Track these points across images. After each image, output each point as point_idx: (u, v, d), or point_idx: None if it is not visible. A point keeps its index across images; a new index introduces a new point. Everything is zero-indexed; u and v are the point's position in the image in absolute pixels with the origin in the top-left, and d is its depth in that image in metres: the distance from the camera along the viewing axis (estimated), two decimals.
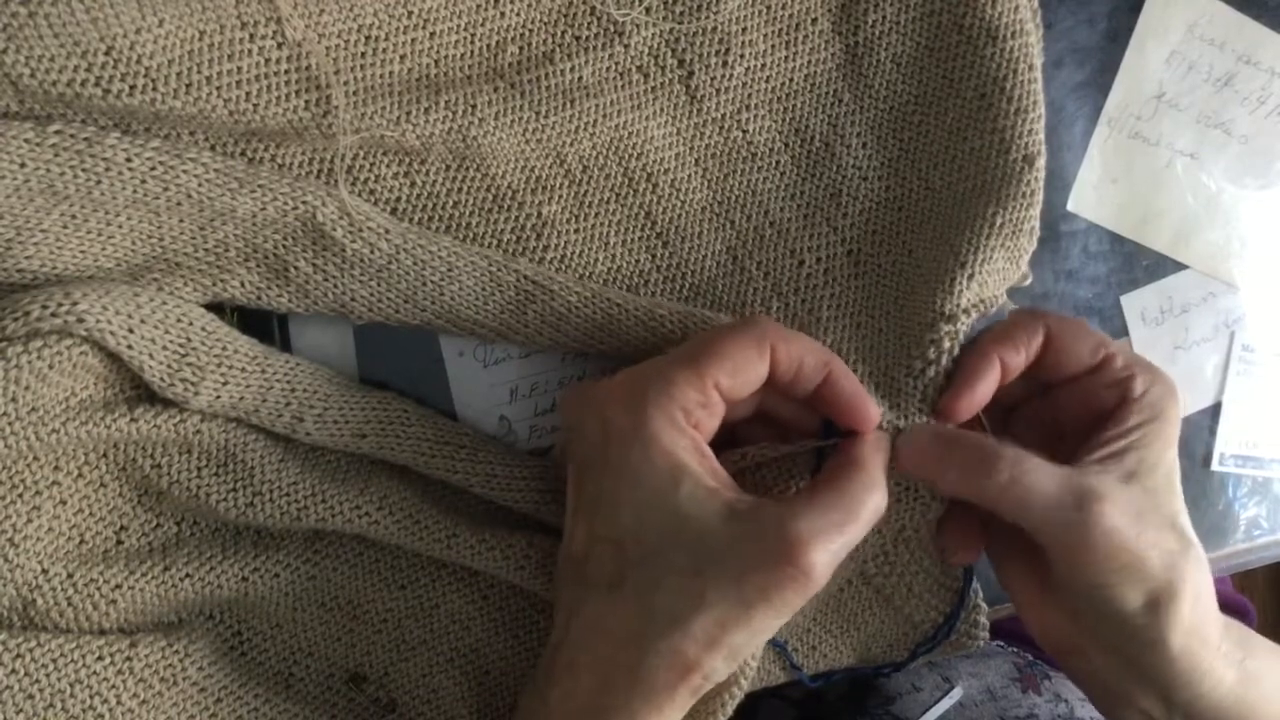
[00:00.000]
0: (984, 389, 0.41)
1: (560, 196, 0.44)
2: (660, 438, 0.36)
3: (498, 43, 0.42)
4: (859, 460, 0.38)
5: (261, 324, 0.43)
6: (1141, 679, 0.40)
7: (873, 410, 0.40)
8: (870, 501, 0.37)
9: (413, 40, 0.40)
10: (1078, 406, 0.42)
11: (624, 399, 0.37)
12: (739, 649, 0.36)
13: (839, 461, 0.39)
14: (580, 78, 0.42)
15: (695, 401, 0.37)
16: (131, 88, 0.36)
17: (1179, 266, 0.52)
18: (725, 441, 0.42)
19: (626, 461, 0.36)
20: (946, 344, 0.42)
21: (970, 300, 0.43)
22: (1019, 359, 0.41)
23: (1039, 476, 0.38)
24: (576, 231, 0.44)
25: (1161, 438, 0.40)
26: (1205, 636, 0.38)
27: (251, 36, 0.37)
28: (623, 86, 0.43)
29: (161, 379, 0.38)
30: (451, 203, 0.43)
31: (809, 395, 0.40)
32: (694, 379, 0.37)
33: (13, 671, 0.38)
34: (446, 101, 0.40)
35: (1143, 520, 0.37)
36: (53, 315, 0.36)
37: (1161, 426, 0.40)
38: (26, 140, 0.36)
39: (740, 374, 0.37)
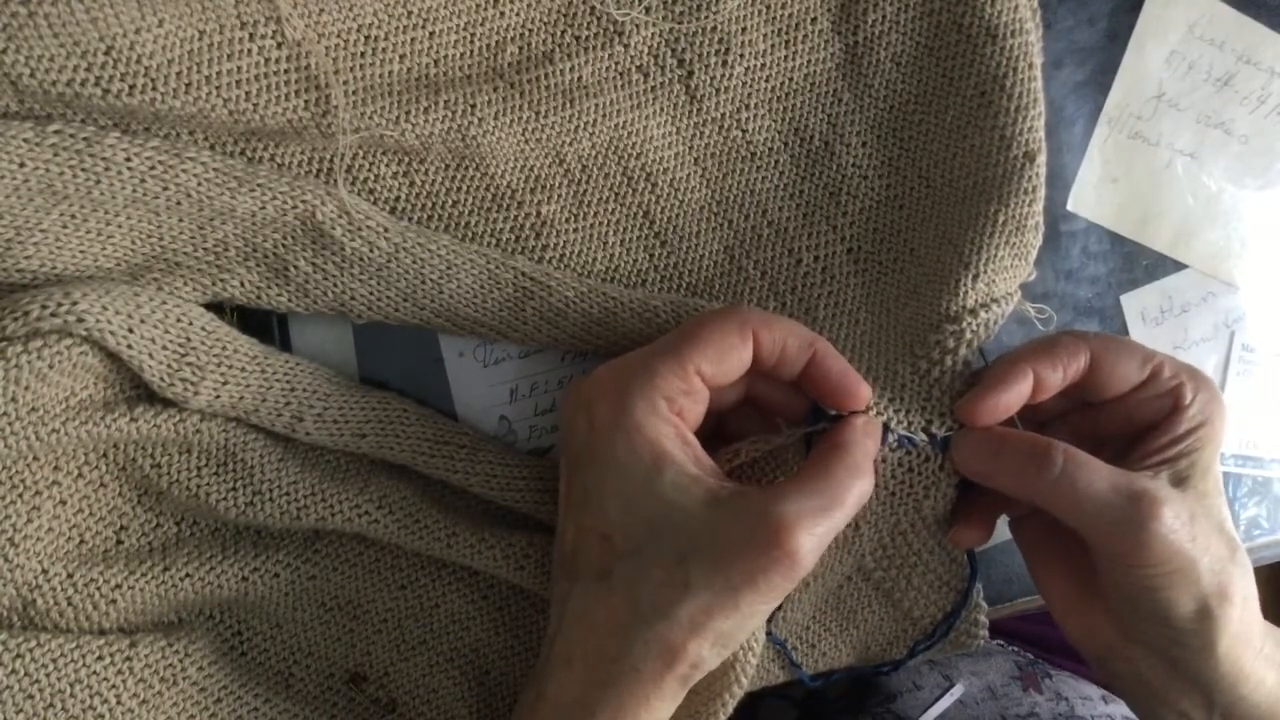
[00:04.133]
0: (1009, 398, 0.40)
1: (559, 196, 0.44)
2: (643, 426, 0.36)
3: (497, 42, 0.42)
4: (844, 444, 0.38)
5: (261, 324, 0.43)
6: (1184, 681, 0.39)
7: (862, 388, 0.40)
8: (855, 486, 0.37)
9: (412, 40, 0.40)
10: (1123, 419, 0.42)
11: (608, 391, 0.37)
12: (727, 636, 0.36)
13: (825, 446, 0.39)
14: (580, 78, 0.42)
15: (678, 389, 0.37)
16: (131, 88, 0.36)
17: (1179, 266, 0.52)
18: (714, 430, 0.42)
19: (612, 452, 0.36)
20: (951, 343, 0.42)
21: (977, 300, 0.43)
22: (1056, 377, 0.40)
23: (1093, 474, 0.37)
24: (575, 231, 0.44)
25: (1212, 442, 0.40)
26: (1249, 640, 0.39)
27: (251, 36, 0.37)
28: (622, 86, 0.43)
29: (161, 379, 0.38)
30: (450, 202, 0.43)
31: (796, 378, 0.40)
32: (676, 367, 0.37)
33: (13, 671, 0.38)
34: (446, 101, 0.40)
35: (1195, 524, 0.37)
36: (53, 315, 0.36)
37: (1212, 431, 0.40)
38: (26, 140, 0.36)
39: (722, 360, 0.37)
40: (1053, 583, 0.43)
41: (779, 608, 0.44)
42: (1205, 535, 0.37)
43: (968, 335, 0.42)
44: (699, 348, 0.37)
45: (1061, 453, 0.38)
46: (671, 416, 0.37)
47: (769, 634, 0.46)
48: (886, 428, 0.41)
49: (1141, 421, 0.41)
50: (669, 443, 0.36)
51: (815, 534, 0.35)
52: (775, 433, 0.42)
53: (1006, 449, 0.40)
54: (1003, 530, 0.47)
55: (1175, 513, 0.37)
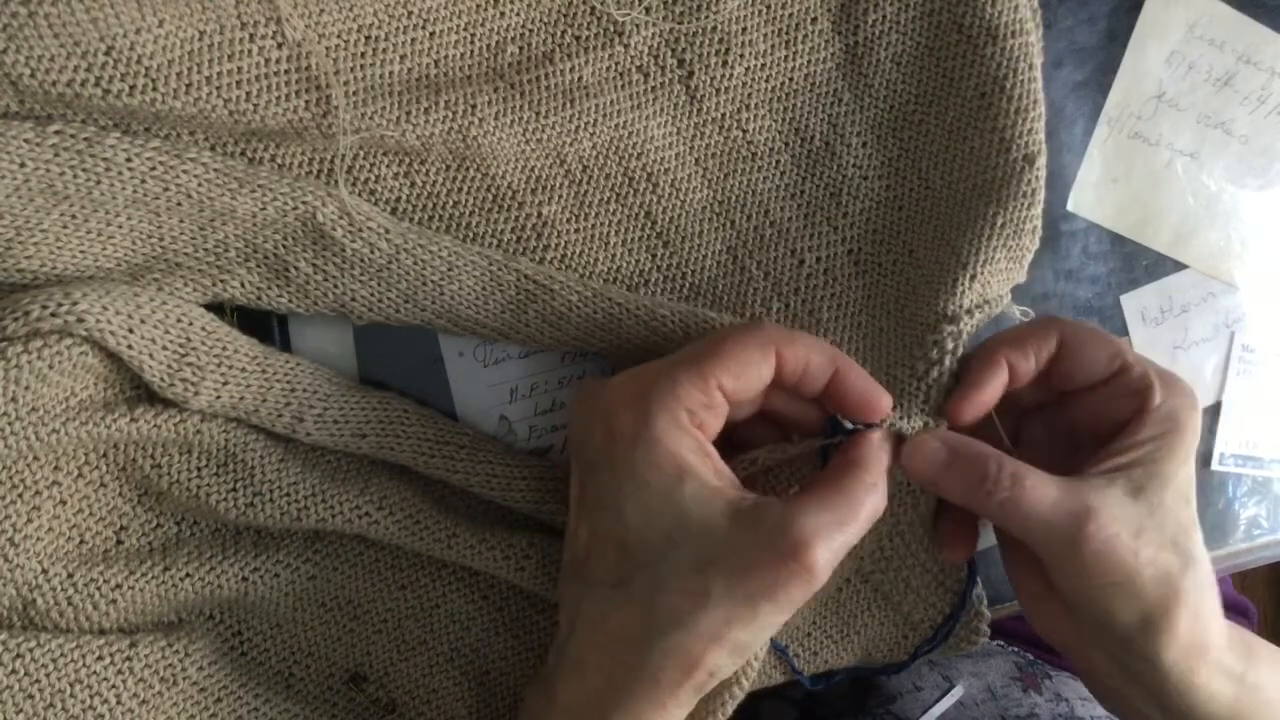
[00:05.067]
0: (990, 393, 0.41)
1: (560, 196, 0.44)
2: (664, 438, 0.36)
3: (498, 43, 0.42)
4: (861, 460, 0.38)
5: (261, 324, 0.43)
6: (1138, 686, 0.40)
7: (884, 400, 0.40)
8: (869, 502, 0.37)
9: (413, 40, 0.40)
10: (1092, 415, 0.42)
11: (628, 400, 0.37)
12: (744, 646, 0.36)
13: (841, 460, 0.39)
14: (580, 78, 0.42)
15: (699, 403, 0.37)
16: (131, 88, 0.36)
17: (1179, 266, 0.52)
18: (725, 439, 0.42)
19: (631, 462, 0.36)
20: (949, 344, 0.42)
21: (973, 301, 0.43)
22: (1028, 365, 0.41)
23: (1037, 493, 0.38)
24: (577, 231, 0.44)
25: (1177, 453, 0.39)
26: (1202, 652, 0.38)
27: (251, 36, 0.37)
28: (623, 86, 0.43)
29: (161, 379, 0.38)
30: (451, 203, 0.43)
31: (817, 394, 0.40)
32: (698, 380, 0.37)
33: (13, 671, 0.38)
34: (446, 101, 0.40)
35: (1141, 537, 0.37)
36: (53, 315, 0.36)
37: (1177, 440, 0.39)
38: (26, 140, 0.36)
39: (744, 376, 0.38)
40: (1023, 580, 0.43)
41: None
42: (1151, 549, 0.37)
43: (964, 336, 0.42)
44: (721, 362, 0.37)
45: (1009, 475, 0.38)
46: (692, 428, 0.37)
47: (772, 640, 0.46)
48: (901, 437, 0.41)
49: (1109, 420, 0.41)
50: (690, 454, 0.36)
51: (832, 548, 0.35)
52: (790, 442, 0.42)
53: (955, 465, 0.40)
54: None
55: (1117, 528, 0.37)
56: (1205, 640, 0.39)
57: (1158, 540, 0.38)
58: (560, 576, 0.41)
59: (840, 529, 0.36)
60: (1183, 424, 0.40)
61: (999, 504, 0.38)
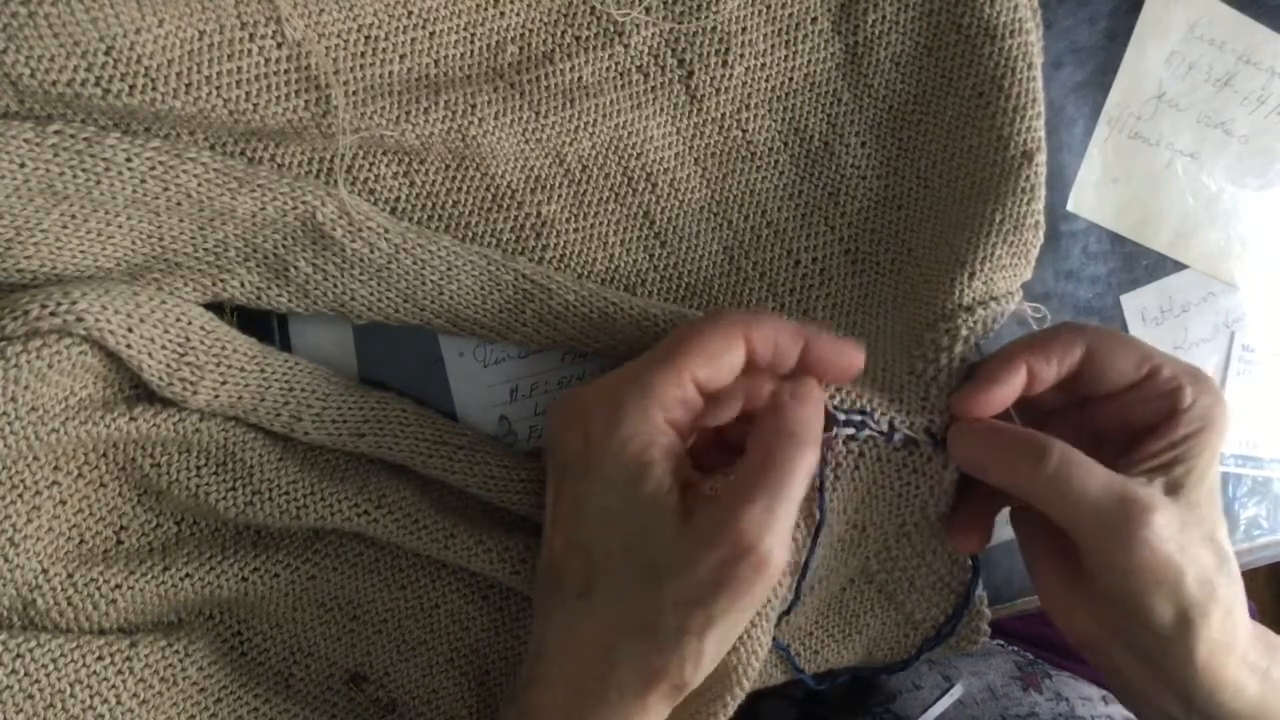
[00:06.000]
0: (1002, 393, 0.40)
1: (559, 196, 0.44)
2: (636, 436, 0.36)
3: (497, 43, 0.42)
4: (782, 425, 0.37)
5: (261, 324, 0.43)
6: (1163, 683, 0.40)
7: (857, 355, 0.39)
8: (799, 459, 0.36)
9: (413, 40, 0.40)
10: (1120, 418, 0.41)
11: (603, 404, 0.37)
12: (710, 651, 0.35)
13: (760, 427, 0.38)
14: (580, 78, 0.42)
15: (674, 398, 0.37)
16: (131, 88, 0.36)
17: (1179, 266, 0.52)
18: (719, 442, 0.42)
19: (601, 462, 0.36)
20: (946, 342, 0.42)
21: (974, 297, 0.42)
22: (1050, 370, 0.40)
23: (1087, 476, 0.37)
24: (575, 231, 0.44)
25: (1209, 449, 0.39)
26: (1231, 648, 0.38)
27: (251, 36, 0.37)
28: (623, 86, 0.43)
29: (160, 378, 0.38)
30: (451, 202, 0.43)
31: (795, 369, 0.40)
32: (671, 375, 0.36)
33: (13, 671, 0.38)
34: (446, 101, 0.40)
35: (1185, 534, 0.37)
36: (53, 315, 0.36)
37: (1209, 437, 0.39)
38: (26, 140, 0.36)
39: (715, 364, 0.37)
40: (1044, 572, 0.43)
41: (786, 612, 0.44)
42: (1194, 545, 0.37)
43: (963, 332, 0.42)
44: (691, 354, 0.37)
45: (1057, 451, 0.38)
46: (665, 427, 0.37)
47: (774, 640, 0.46)
48: (858, 416, 0.41)
49: (1138, 422, 0.41)
50: (657, 452, 0.36)
51: (776, 529, 0.34)
52: None
53: (1002, 442, 0.40)
54: (1002, 530, 0.47)
55: (1166, 522, 0.37)
56: (1234, 637, 0.38)
57: (1198, 537, 0.38)
58: (535, 589, 0.40)
59: (779, 503, 0.35)
60: (1213, 421, 0.40)
61: (1047, 478, 0.37)
